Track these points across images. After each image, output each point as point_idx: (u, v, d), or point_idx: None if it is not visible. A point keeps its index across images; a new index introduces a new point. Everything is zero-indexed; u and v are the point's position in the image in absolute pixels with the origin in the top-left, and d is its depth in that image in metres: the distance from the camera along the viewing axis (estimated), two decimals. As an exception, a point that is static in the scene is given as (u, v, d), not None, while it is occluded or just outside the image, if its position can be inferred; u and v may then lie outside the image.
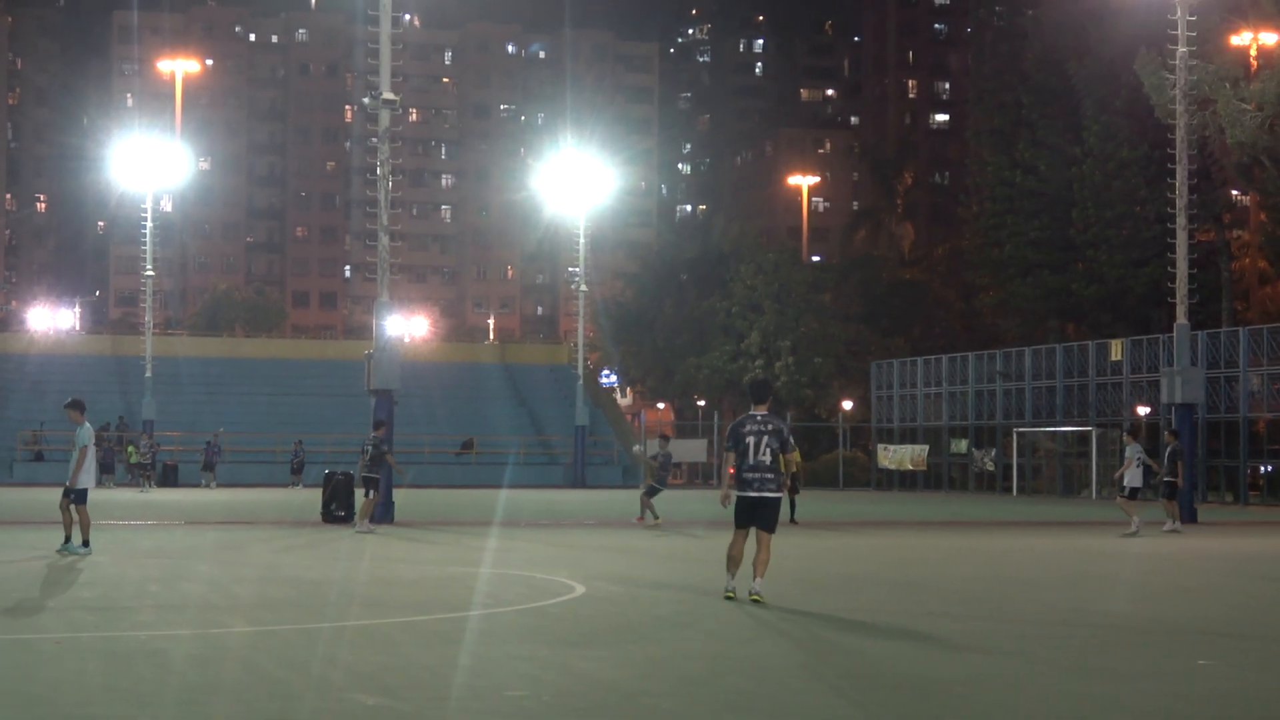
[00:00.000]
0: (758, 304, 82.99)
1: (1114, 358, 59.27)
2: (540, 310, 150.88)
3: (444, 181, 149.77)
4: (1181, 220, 39.21)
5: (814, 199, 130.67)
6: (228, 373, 75.64)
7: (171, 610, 15.19)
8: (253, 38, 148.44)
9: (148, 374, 63.68)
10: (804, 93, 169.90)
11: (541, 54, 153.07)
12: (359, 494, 30.12)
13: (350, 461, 34.28)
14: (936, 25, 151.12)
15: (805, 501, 37.80)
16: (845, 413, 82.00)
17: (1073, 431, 60.33)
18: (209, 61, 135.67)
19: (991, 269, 76.71)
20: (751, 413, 15.78)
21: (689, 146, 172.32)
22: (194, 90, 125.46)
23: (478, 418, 72.38)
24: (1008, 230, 74.11)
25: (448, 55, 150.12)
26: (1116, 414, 58.44)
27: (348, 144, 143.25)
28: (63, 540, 21.50)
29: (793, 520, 32.32)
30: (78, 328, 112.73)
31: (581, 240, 66.67)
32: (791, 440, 15.78)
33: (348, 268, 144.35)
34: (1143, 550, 26.27)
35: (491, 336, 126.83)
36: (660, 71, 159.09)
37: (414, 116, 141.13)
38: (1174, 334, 40.64)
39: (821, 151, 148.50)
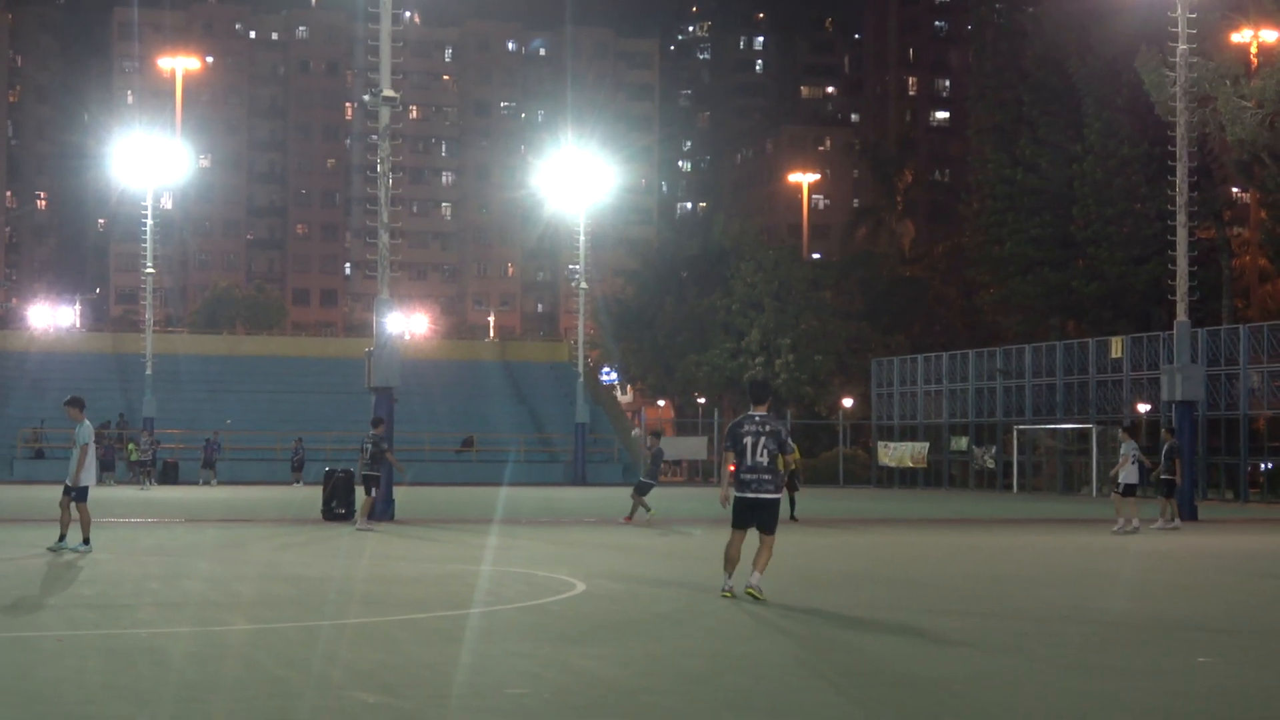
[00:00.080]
0: (758, 301, 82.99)
1: (1114, 355, 59.27)
2: (540, 308, 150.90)
3: (444, 179, 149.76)
4: (1182, 218, 39.21)
5: (814, 196, 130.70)
6: (228, 370, 75.65)
7: (171, 608, 15.20)
8: (253, 35, 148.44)
9: (148, 371, 63.68)
10: (804, 90, 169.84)
11: (542, 51, 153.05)
12: (359, 491, 30.14)
13: (350, 459, 34.29)
14: (937, 23, 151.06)
15: (805, 499, 37.81)
16: (845, 410, 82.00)
17: (1073, 429, 60.33)
18: (209, 59, 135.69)
19: (992, 266, 76.71)
20: (750, 413, 15.78)
21: (689, 144, 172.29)
22: (194, 87, 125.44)
23: (478, 415, 72.38)
24: (1008, 228, 74.11)
25: (448, 52, 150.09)
26: (1117, 411, 58.44)
27: (348, 141, 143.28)
28: (58, 538, 21.49)
29: (793, 517, 32.36)
30: (78, 325, 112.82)
31: (582, 238, 66.65)
32: (790, 441, 15.78)
33: (348, 265, 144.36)
34: (1142, 547, 26.28)
35: (492, 334, 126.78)
36: (661, 69, 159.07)
37: (414, 114, 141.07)
38: (1174, 331, 40.65)
39: (822, 149, 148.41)
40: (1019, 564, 22.71)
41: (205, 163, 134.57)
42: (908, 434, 70.08)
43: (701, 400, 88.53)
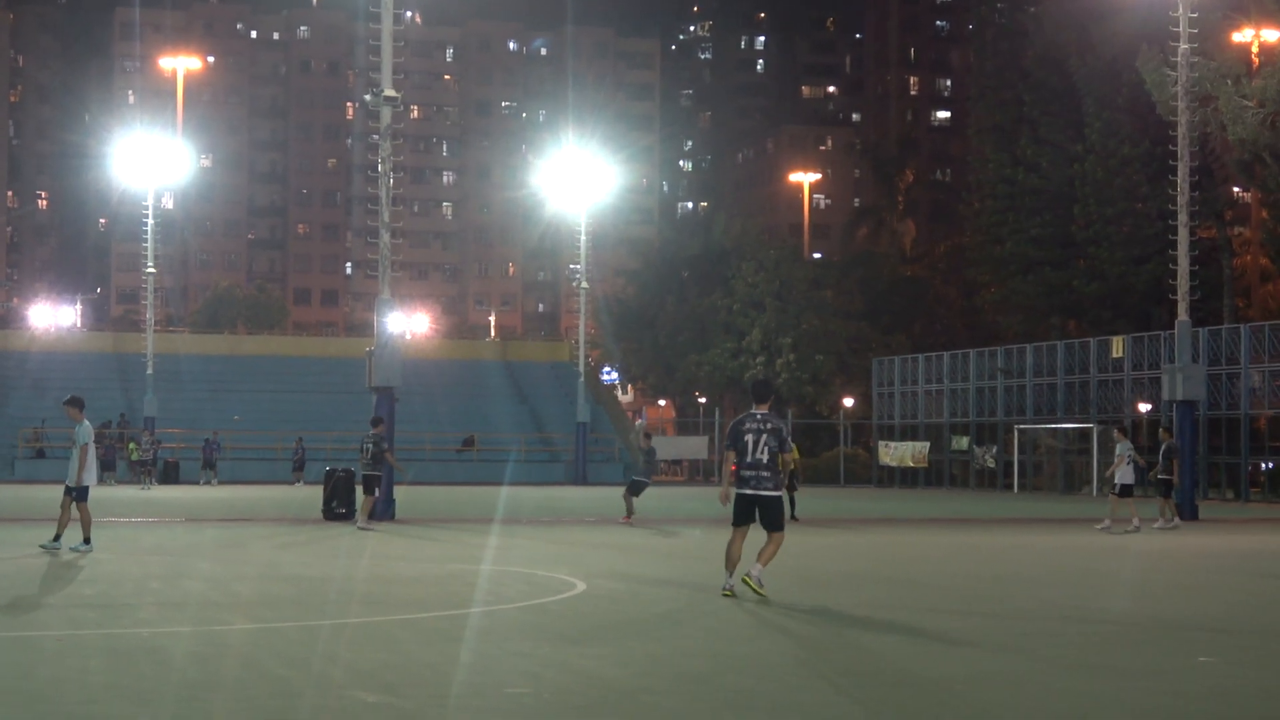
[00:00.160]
0: (759, 301, 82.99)
1: (1115, 355, 59.27)
2: (541, 307, 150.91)
3: (445, 178, 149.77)
4: (1183, 217, 39.20)
5: (815, 196, 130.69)
6: (229, 370, 75.64)
7: (172, 607, 15.20)
8: (254, 35, 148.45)
9: (149, 371, 63.67)
10: (805, 90, 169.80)
11: (543, 51, 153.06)
12: (359, 491, 30.14)
13: (351, 459, 34.29)
14: (938, 22, 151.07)
15: (806, 499, 37.80)
16: (846, 410, 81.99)
17: (1074, 428, 60.32)
18: (210, 59, 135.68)
19: (993, 266, 76.72)
20: (752, 411, 15.84)
21: (690, 144, 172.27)
22: (195, 87, 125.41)
23: (479, 415, 72.37)
24: (1009, 227, 74.12)
25: (449, 52, 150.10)
26: (1118, 411, 58.44)
27: (349, 141, 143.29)
28: (52, 536, 21.47)
29: (793, 517, 32.35)
30: (79, 325, 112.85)
31: (583, 237, 66.64)
32: (789, 440, 15.81)
33: (349, 265, 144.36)
34: (1142, 547, 26.28)
35: (493, 334, 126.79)
36: (662, 68, 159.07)
37: (415, 113, 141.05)
38: (1175, 331, 40.65)
39: (823, 149, 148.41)
40: (1020, 564, 22.71)
41: (206, 162, 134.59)
42: (908, 434, 70.07)
43: (702, 400, 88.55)
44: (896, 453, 69.20)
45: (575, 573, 18.88)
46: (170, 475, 58.69)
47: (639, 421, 46.17)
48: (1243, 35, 60.72)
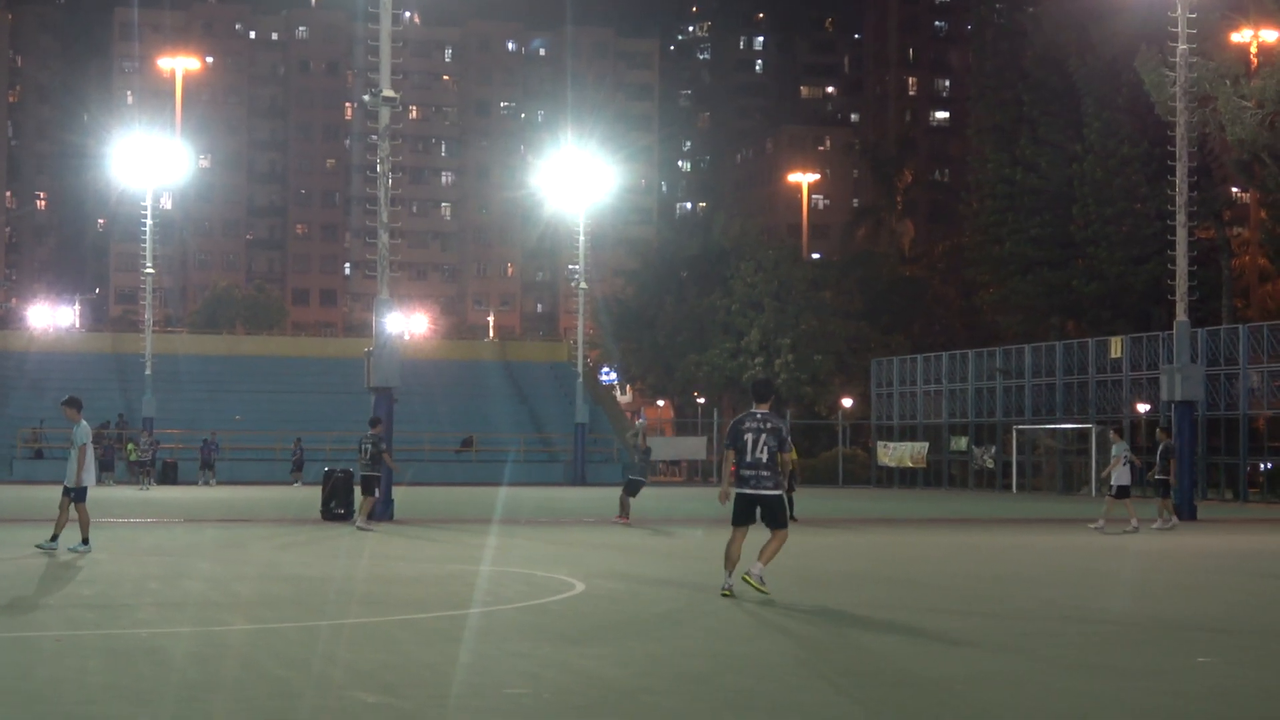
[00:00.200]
0: (758, 301, 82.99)
1: (1114, 355, 59.26)
2: (540, 308, 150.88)
3: (444, 179, 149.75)
4: (1181, 217, 39.20)
5: (814, 196, 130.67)
6: (228, 370, 75.63)
7: (171, 608, 15.19)
8: (253, 35, 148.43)
9: (148, 371, 63.67)
10: (804, 90, 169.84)
11: (542, 51, 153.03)
12: (358, 491, 30.15)
13: (350, 459, 34.29)
14: (937, 22, 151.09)
15: (805, 499, 37.80)
16: (845, 410, 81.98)
17: (1072, 429, 60.32)
18: (209, 59, 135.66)
19: (992, 266, 76.72)
20: (752, 411, 15.87)
21: (689, 144, 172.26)
22: (194, 87, 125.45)
23: (478, 415, 72.37)
24: (1008, 227, 74.13)
25: (448, 52, 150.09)
26: (1116, 411, 58.43)
27: (348, 141, 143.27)
28: (49, 537, 21.46)
29: (792, 517, 32.29)
30: (78, 325, 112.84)
31: (582, 237, 66.61)
32: (789, 440, 15.82)
33: (348, 265, 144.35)
34: (1142, 547, 26.28)
35: (491, 334, 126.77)
36: (661, 69, 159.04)
37: (414, 114, 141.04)
38: (1174, 331, 40.64)
39: (822, 149, 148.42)
40: (1019, 564, 22.71)
41: (205, 163, 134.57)
42: (907, 434, 70.07)
43: (701, 400, 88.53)
44: (895, 453, 69.19)
45: (574, 573, 18.88)
46: (169, 476, 58.68)
47: (639, 421, 46.15)
48: (1241, 36, 60.73)
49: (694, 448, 72.31)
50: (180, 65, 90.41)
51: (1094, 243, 69.35)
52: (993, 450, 64.63)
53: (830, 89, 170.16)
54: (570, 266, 71.30)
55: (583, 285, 67.33)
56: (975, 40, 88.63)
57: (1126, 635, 13.73)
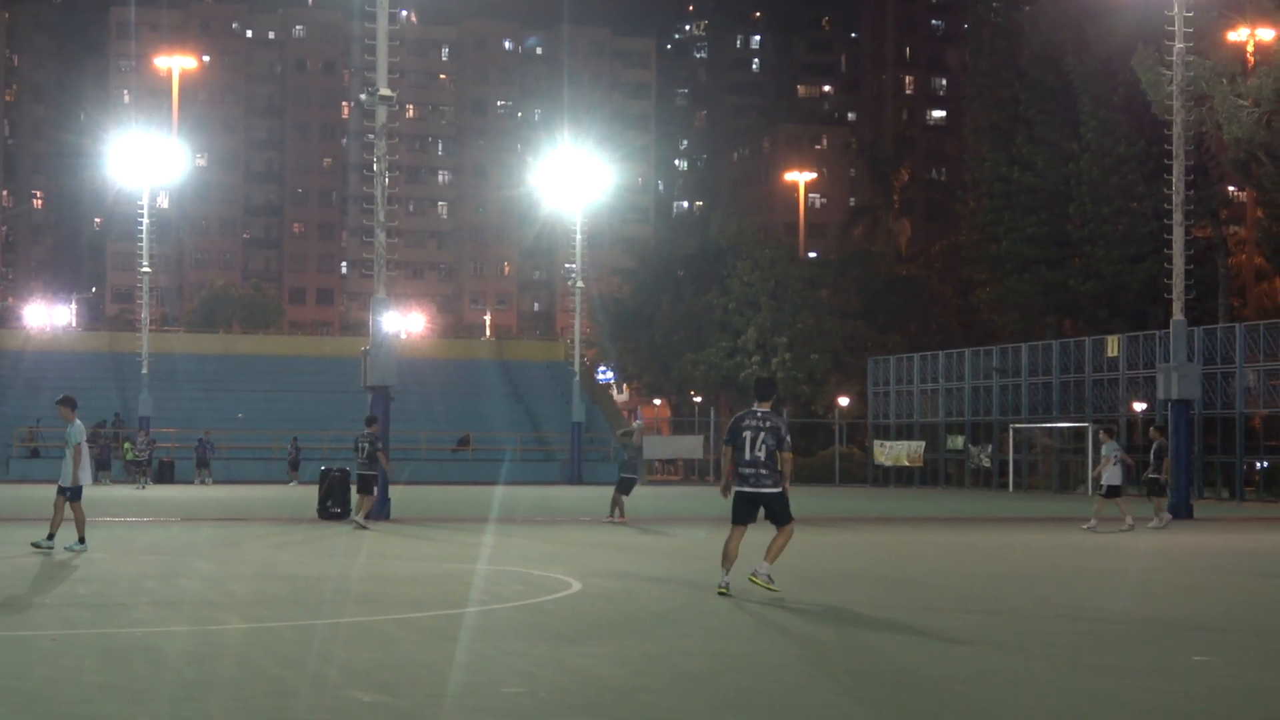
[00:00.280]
0: (755, 300, 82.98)
1: (1110, 354, 59.27)
2: (537, 306, 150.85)
3: (441, 178, 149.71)
4: (1178, 216, 39.20)
5: (811, 195, 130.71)
6: (224, 369, 75.60)
7: (168, 607, 15.18)
8: (250, 34, 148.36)
9: (144, 370, 63.62)
10: (801, 89, 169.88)
11: (539, 50, 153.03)
12: (354, 490, 30.15)
13: (347, 458, 34.28)
14: (934, 21, 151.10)
15: (801, 498, 37.70)
16: (841, 409, 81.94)
17: (1069, 428, 60.34)
18: (206, 58, 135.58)
19: (988, 265, 76.73)
20: (753, 409, 15.92)
21: (686, 143, 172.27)
22: (191, 86, 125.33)
23: (474, 414, 72.35)
24: (1005, 226, 74.13)
25: (445, 51, 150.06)
26: (1113, 410, 58.44)
27: (345, 140, 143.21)
28: (45, 535, 21.45)
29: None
30: (74, 324, 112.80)
31: (578, 236, 66.58)
32: (789, 439, 15.83)
33: (345, 264, 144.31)
34: (1137, 546, 26.28)
35: (488, 333, 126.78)
36: (658, 68, 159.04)
37: (411, 113, 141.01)
38: (1170, 330, 40.64)
39: (819, 148, 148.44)
40: (1016, 563, 22.71)
41: (202, 162, 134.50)
42: (904, 433, 70.09)
43: (698, 399, 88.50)
44: (892, 452, 69.19)
45: (571, 572, 18.87)
46: (165, 475, 58.66)
47: (637, 423, 46.14)
48: (1238, 34, 60.72)
49: (691, 447, 72.26)
50: (177, 64, 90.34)
51: (1091, 241, 69.37)
52: (989, 449, 64.64)
53: (827, 88, 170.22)
54: (567, 265, 71.17)
55: (579, 284, 67.28)
56: (972, 39, 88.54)
57: (1124, 634, 13.73)
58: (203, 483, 56.50)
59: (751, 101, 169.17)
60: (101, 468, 54.21)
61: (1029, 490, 60.82)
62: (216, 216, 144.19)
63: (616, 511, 31.69)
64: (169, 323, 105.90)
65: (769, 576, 15.83)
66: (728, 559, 15.88)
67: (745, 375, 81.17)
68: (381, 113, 34.01)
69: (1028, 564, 22.40)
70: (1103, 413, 58.63)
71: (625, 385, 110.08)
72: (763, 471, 15.63)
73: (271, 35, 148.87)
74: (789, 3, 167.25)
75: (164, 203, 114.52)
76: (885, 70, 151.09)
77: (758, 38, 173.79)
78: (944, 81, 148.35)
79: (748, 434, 15.65)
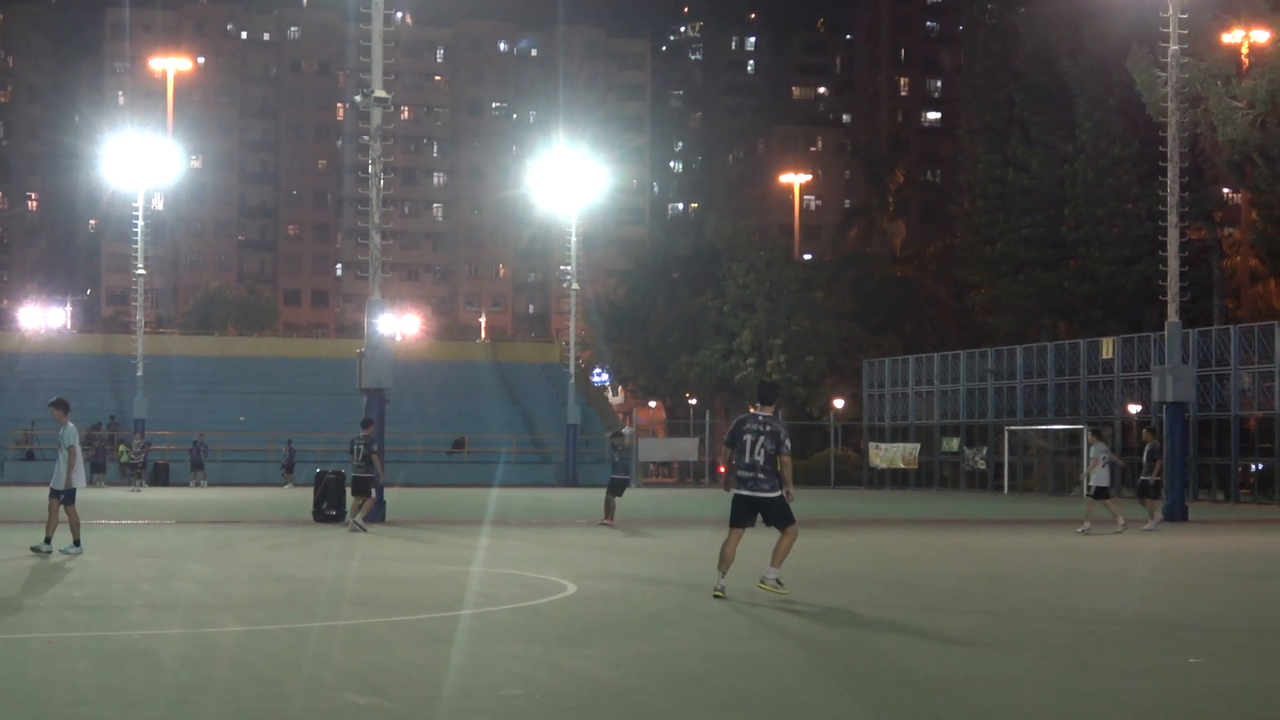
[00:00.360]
0: (750, 302, 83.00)
1: (1105, 356, 59.29)
2: (532, 308, 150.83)
3: (436, 179, 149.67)
4: (1173, 218, 39.21)
5: (806, 197, 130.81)
6: (220, 371, 75.56)
7: (163, 609, 15.15)
8: (245, 35, 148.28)
9: (139, 373, 63.56)
10: (796, 90, 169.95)
11: (534, 51, 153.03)
12: (349, 492, 30.13)
13: (342, 460, 34.27)
14: (929, 23, 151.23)
15: (797, 500, 37.68)
16: (837, 411, 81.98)
17: (1064, 430, 60.35)
18: (201, 59, 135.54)
19: (983, 267, 76.73)
20: (755, 412, 16.01)
21: (681, 144, 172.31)
22: (186, 88, 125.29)
23: (470, 416, 72.33)
24: (999, 228, 74.15)
25: (440, 53, 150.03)
26: (1108, 412, 58.46)
27: (340, 142, 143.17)
28: (43, 539, 21.41)
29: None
30: (69, 326, 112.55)
31: (573, 238, 66.56)
32: (788, 444, 15.84)
33: (340, 266, 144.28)
34: (1133, 548, 26.28)
35: (483, 335, 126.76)
36: (652, 69, 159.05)
37: (406, 114, 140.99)
38: (1165, 332, 40.67)
39: (813, 149, 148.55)
40: (1012, 564, 22.71)
41: (197, 163, 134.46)
42: (899, 435, 70.09)
43: (693, 401, 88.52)
44: (887, 454, 69.19)
45: (566, 574, 18.86)
46: (160, 477, 58.59)
47: (627, 429, 46.21)
48: (1233, 36, 60.76)
49: (686, 449, 72.27)
50: (172, 65, 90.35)
51: (1085, 243, 69.39)
52: (984, 451, 64.66)
53: (822, 89, 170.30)
54: (562, 267, 71.25)
55: (574, 286, 67.28)
56: (967, 41, 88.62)
57: (1123, 635, 13.72)
58: (197, 485, 56.45)
59: (746, 103, 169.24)
60: (97, 470, 54.22)
61: (1024, 492, 60.83)
62: (211, 218, 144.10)
63: (607, 513, 31.73)
64: (164, 325, 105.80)
65: (777, 580, 15.89)
66: (724, 561, 15.90)
67: (740, 377, 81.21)
68: (376, 114, 34.00)
69: (1024, 565, 22.40)
70: (1098, 415, 58.66)
71: (620, 387, 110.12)
72: (760, 476, 15.67)
73: (266, 37, 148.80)
74: (784, 4, 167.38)
75: (159, 204, 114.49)
76: (880, 72, 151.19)
77: (753, 39, 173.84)
78: (939, 83, 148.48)
79: (748, 437, 15.71)
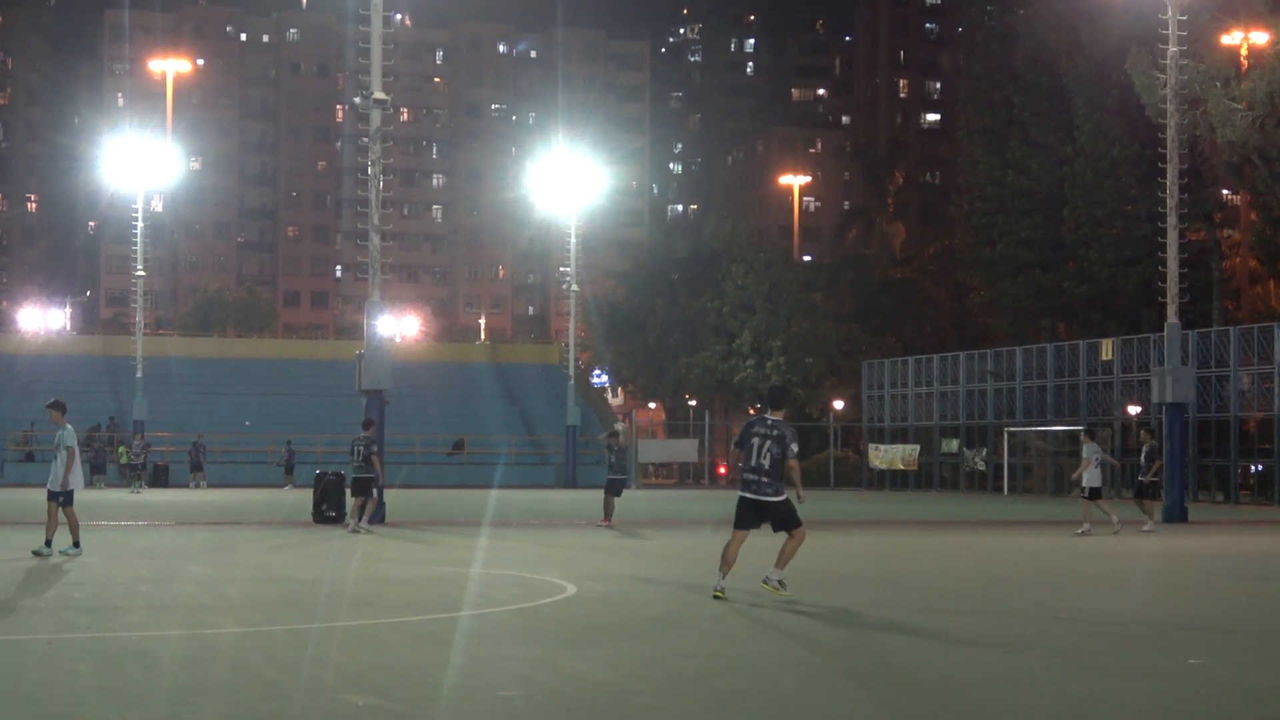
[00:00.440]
0: (749, 303, 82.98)
1: (1105, 357, 59.30)
2: (531, 310, 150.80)
3: (435, 181, 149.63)
4: (1172, 219, 39.21)
5: (805, 198, 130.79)
6: (219, 373, 75.54)
7: (162, 610, 15.15)
8: (244, 37, 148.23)
9: (139, 374, 63.55)
10: (795, 92, 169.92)
11: (533, 53, 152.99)
12: (349, 493, 30.13)
13: (342, 461, 34.28)
14: (928, 24, 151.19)
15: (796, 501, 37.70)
16: (836, 412, 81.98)
17: (1064, 431, 60.35)
18: (200, 61, 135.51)
19: (983, 268, 76.75)
20: (765, 416, 16.06)
21: (680, 146, 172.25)
22: (185, 89, 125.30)
23: (469, 417, 72.33)
24: (999, 229, 74.16)
25: (439, 54, 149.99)
26: (1107, 413, 58.47)
27: (339, 143, 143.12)
28: (44, 542, 21.41)
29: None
30: (69, 328, 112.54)
31: (573, 240, 66.58)
32: (794, 448, 15.82)
33: (339, 267, 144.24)
34: (1132, 549, 26.28)
35: (483, 336, 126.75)
36: (652, 70, 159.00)
37: (405, 116, 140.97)
38: (1165, 333, 40.67)
39: (813, 151, 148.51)
40: (1012, 565, 22.71)
41: (196, 165, 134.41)
42: (898, 436, 70.09)
43: (693, 402, 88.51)
44: (886, 455, 69.20)
45: (566, 575, 18.86)
46: (160, 478, 58.57)
47: (620, 425, 46.22)
48: (1231, 38, 60.79)
49: (686, 450, 72.26)
50: (171, 67, 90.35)
51: (1085, 245, 69.40)
52: (984, 452, 64.66)
53: (821, 91, 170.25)
54: (561, 269, 71.28)
55: (574, 287, 67.30)
56: (966, 42, 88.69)
57: (1122, 636, 13.72)
58: (197, 486, 56.44)
59: (746, 104, 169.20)
60: (96, 471, 54.21)
61: (1023, 493, 60.82)
62: (211, 220, 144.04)
63: (606, 514, 31.76)
64: (163, 326, 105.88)
65: (780, 582, 15.92)
66: (725, 563, 15.92)
67: (740, 379, 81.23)
68: (376, 116, 34.01)
69: (1024, 567, 22.40)
70: (1097, 416, 58.67)
71: (620, 389, 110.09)
72: (765, 480, 15.71)
73: (265, 38, 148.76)
74: (783, 6, 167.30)
75: (158, 206, 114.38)
76: (879, 73, 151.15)
77: (752, 41, 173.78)
78: (938, 85, 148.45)
79: (755, 440, 15.78)
